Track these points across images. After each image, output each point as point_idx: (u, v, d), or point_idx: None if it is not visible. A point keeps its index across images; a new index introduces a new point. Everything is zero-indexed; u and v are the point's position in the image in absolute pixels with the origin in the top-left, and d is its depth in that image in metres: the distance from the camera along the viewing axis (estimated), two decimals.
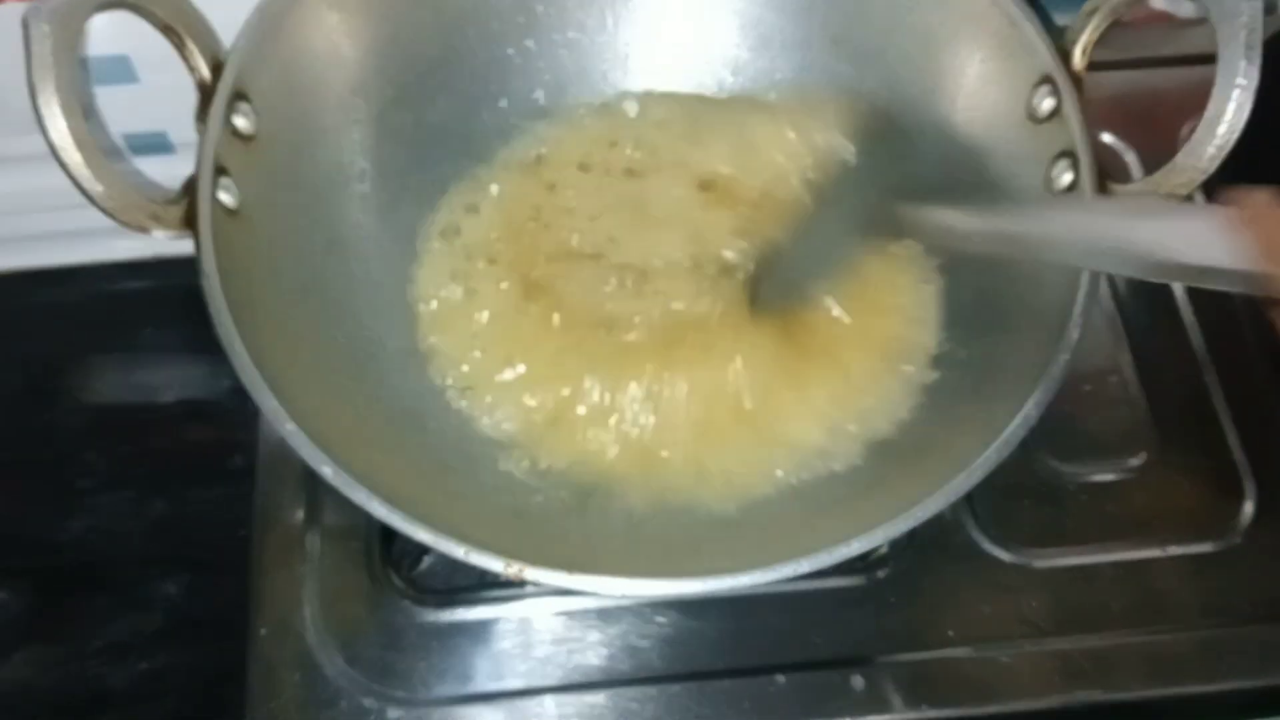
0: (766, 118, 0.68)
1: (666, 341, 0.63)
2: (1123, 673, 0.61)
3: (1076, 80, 0.58)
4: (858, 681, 0.60)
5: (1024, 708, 0.60)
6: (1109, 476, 0.67)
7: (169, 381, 0.75)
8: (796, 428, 0.61)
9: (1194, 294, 0.72)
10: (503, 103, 0.68)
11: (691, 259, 0.65)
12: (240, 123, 0.55)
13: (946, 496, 0.50)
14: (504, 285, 0.65)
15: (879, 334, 0.64)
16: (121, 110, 0.68)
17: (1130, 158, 0.76)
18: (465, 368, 0.63)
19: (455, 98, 0.67)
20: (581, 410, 0.62)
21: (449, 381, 0.63)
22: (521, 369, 0.63)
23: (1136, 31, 0.82)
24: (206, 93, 0.55)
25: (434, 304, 0.65)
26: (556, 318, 0.64)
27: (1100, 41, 0.58)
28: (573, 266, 0.65)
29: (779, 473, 0.61)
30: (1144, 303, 0.72)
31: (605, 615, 0.62)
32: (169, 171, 0.59)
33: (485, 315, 0.64)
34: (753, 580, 0.49)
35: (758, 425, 0.62)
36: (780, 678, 0.60)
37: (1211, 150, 0.53)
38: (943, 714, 0.60)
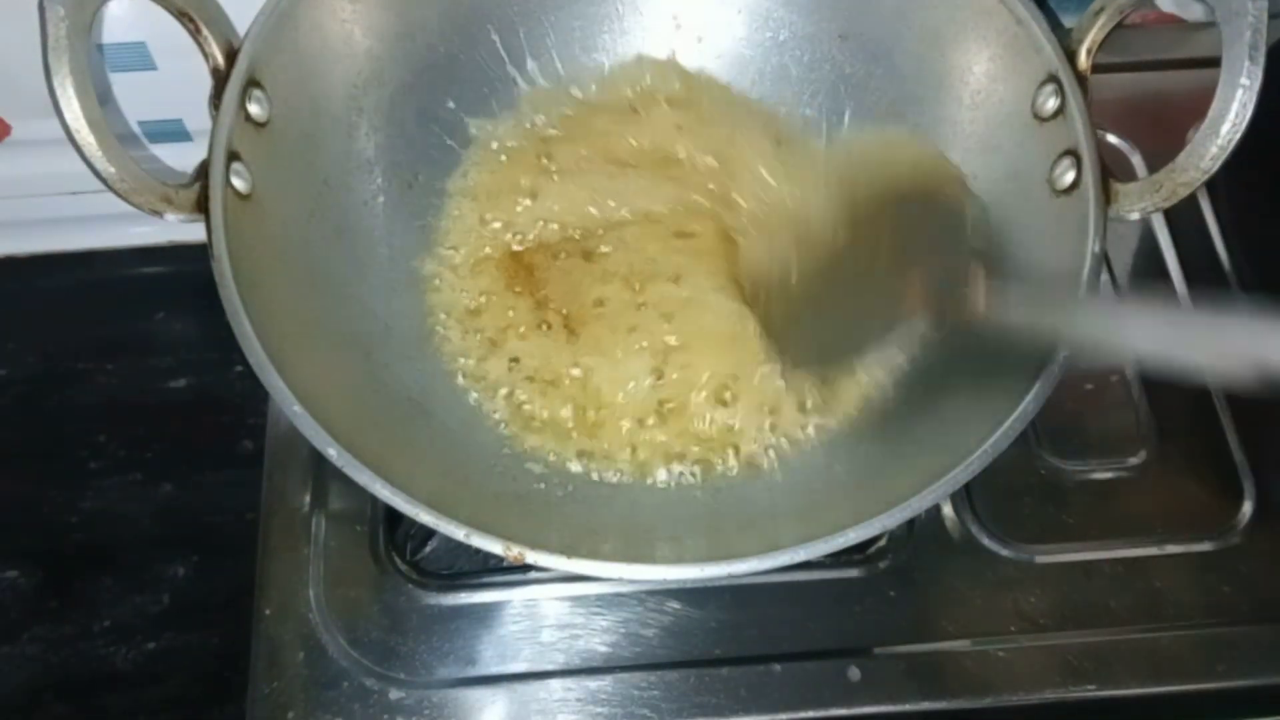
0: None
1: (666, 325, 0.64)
2: (1119, 670, 0.61)
3: (1081, 80, 0.58)
4: (854, 672, 0.61)
5: (1020, 702, 0.61)
6: (1109, 475, 0.67)
7: (180, 366, 0.76)
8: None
9: (1196, 294, 0.72)
10: (513, 90, 0.69)
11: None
12: (253, 109, 0.56)
13: (944, 488, 0.51)
14: (510, 274, 0.66)
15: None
16: (139, 97, 0.69)
17: (1136, 159, 0.76)
18: (471, 354, 0.64)
19: (465, 85, 0.68)
20: (585, 399, 0.63)
21: (455, 367, 0.63)
22: (526, 357, 0.64)
23: (1145, 34, 0.82)
24: (220, 79, 0.55)
25: (442, 290, 0.65)
26: (562, 307, 0.65)
27: (1109, 43, 0.58)
28: (574, 253, 0.66)
29: (773, 454, 0.62)
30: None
31: (610, 602, 0.63)
32: (185, 159, 0.59)
33: (492, 302, 0.65)
34: (750, 567, 0.50)
35: (751, 404, 0.63)
36: (777, 667, 0.61)
37: (1214, 150, 0.53)
38: (938, 706, 0.60)
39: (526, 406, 0.63)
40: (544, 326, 0.64)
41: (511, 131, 0.69)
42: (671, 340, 0.64)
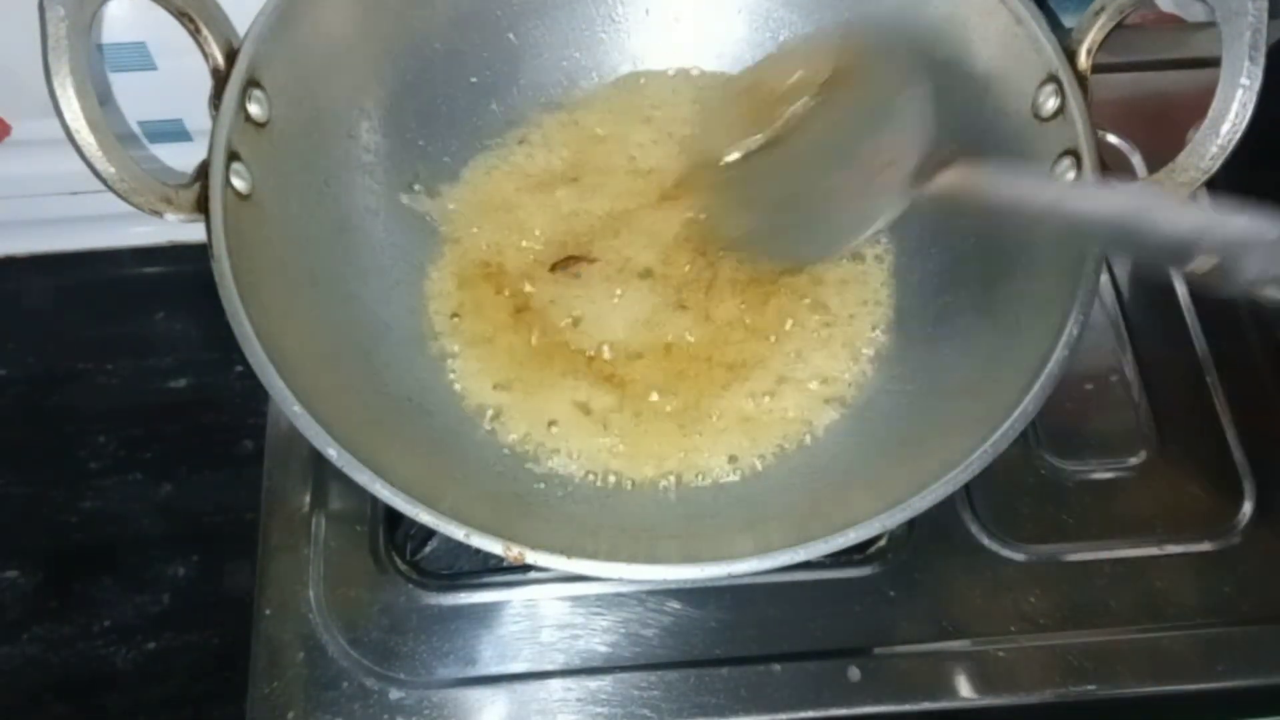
0: None
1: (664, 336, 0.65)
2: (1119, 670, 0.61)
3: (1081, 79, 0.58)
4: (854, 672, 0.61)
5: (1019, 702, 0.61)
6: (1109, 475, 0.67)
7: (181, 366, 0.76)
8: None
9: (1197, 294, 0.72)
10: (512, 91, 0.69)
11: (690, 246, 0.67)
12: (253, 109, 0.56)
13: (944, 488, 0.51)
14: (510, 271, 0.66)
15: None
16: (139, 97, 0.69)
17: (1136, 159, 0.76)
18: (471, 354, 0.64)
19: (465, 86, 0.68)
20: (586, 397, 0.63)
21: (454, 367, 0.63)
22: (524, 357, 0.64)
23: (1145, 34, 0.82)
24: (220, 79, 0.55)
25: (441, 290, 0.65)
26: (563, 306, 0.65)
27: (1110, 44, 0.58)
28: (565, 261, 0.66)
29: (773, 454, 0.62)
30: (1147, 303, 0.72)
31: (610, 602, 0.63)
32: (185, 159, 0.59)
33: (490, 303, 0.65)
34: (749, 568, 0.50)
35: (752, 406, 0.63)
36: (777, 667, 0.61)
37: (1214, 150, 0.53)
38: (938, 706, 0.60)
39: (525, 405, 0.63)
40: (537, 329, 0.65)
41: (511, 133, 0.69)
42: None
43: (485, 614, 0.62)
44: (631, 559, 0.50)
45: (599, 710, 0.60)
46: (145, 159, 0.72)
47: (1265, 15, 0.52)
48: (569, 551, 0.49)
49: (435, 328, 0.64)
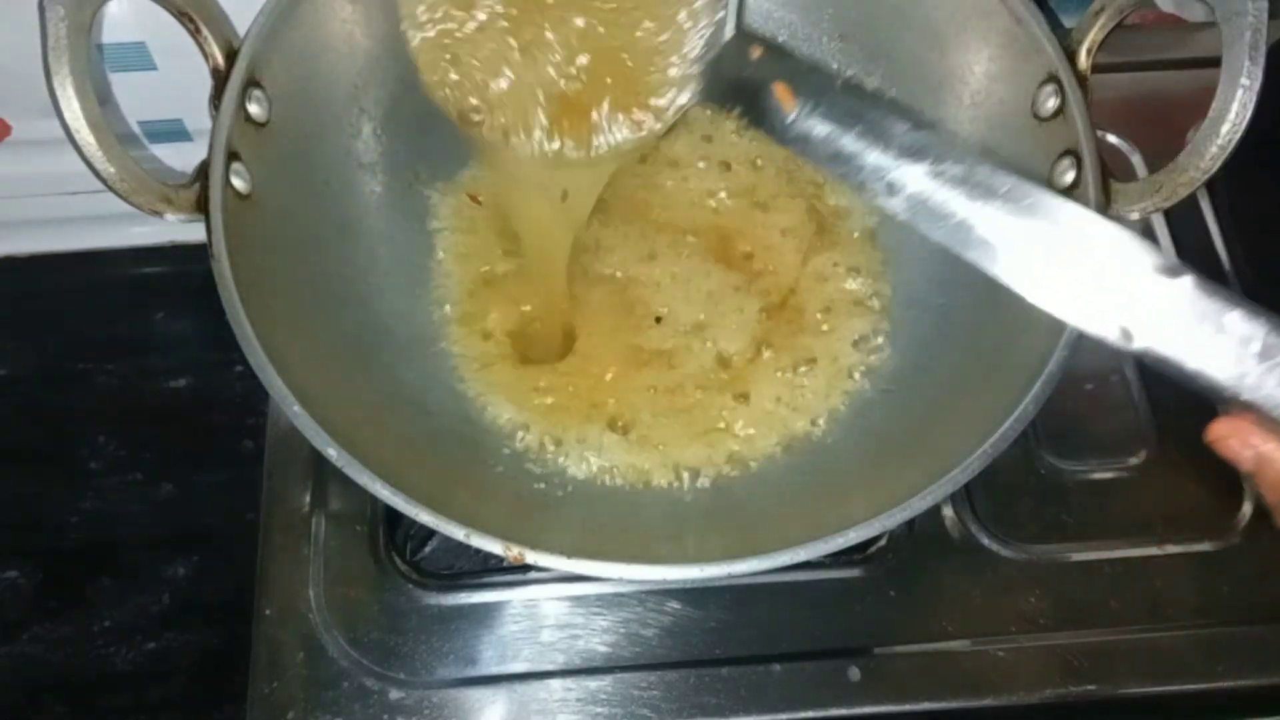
0: None
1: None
2: (1119, 669, 0.62)
3: (1081, 80, 0.58)
4: (854, 672, 0.61)
5: (1019, 702, 0.61)
6: (1109, 475, 0.67)
7: (181, 366, 0.76)
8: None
9: None
10: None
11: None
12: (253, 109, 0.56)
13: (944, 488, 0.50)
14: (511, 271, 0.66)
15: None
16: (139, 97, 0.69)
17: (1136, 159, 0.76)
18: (470, 353, 0.64)
19: None
20: (586, 398, 0.63)
21: (454, 367, 0.63)
22: (526, 356, 0.64)
23: (1145, 34, 0.82)
24: (220, 79, 0.55)
25: (442, 290, 0.65)
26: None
27: (1110, 44, 0.58)
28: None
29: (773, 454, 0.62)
30: None
31: (610, 602, 0.63)
32: (186, 159, 0.60)
33: (491, 302, 0.65)
34: (750, 567, 0.49)
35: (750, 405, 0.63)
36: (777, 667, 0.61)
37: (1214, 150, 0.53)
38: (938, 706, 0.60)
39: (526, 403, 0.63)
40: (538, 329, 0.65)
41: None
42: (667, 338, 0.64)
43: (485, 614, 0.62)
44: (631, 559, 0.50)
45: (599, 710, 0.60)
46: (145, 159, 0.72)
47: (1265, 15, 0.51)
48: (569, 551, 0.49)
49: (435, 327, 0.64)
